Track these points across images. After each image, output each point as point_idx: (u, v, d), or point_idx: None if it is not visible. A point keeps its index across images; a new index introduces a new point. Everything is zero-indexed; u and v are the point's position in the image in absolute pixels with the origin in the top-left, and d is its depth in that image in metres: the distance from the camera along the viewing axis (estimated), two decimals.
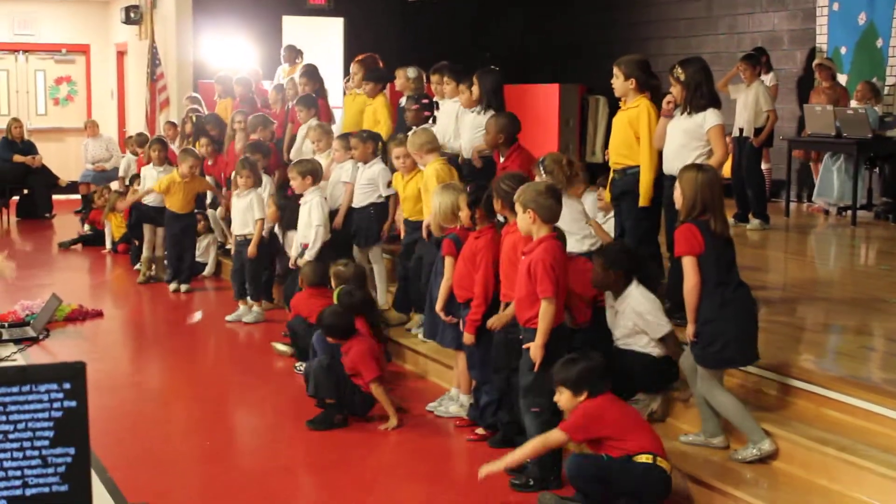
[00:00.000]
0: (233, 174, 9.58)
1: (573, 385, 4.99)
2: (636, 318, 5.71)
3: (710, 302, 5.20)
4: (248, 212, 9.15)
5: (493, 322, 5.79)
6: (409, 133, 8.01)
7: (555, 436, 5.02)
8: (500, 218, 6.00)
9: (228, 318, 9.19)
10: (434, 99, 8.99)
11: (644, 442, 4.91)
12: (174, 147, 12.11)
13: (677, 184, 5.36)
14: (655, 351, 5.73)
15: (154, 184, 10.54)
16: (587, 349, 5.38)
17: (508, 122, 7.34)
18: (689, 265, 5.18)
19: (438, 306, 6.37)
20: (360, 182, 8.47)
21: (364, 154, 8.38)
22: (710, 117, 6.45)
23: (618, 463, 4.88)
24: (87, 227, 13.76)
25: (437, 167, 7.48)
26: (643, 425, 5.10)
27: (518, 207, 5.41)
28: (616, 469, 4.87)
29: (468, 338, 6.06)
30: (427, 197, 7.36)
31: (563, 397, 5.04)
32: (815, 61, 12.50)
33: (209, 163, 11.14)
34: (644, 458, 4.85)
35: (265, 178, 9.47)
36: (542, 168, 6.32)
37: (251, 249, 9.11)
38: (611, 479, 4.86)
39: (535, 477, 5.35)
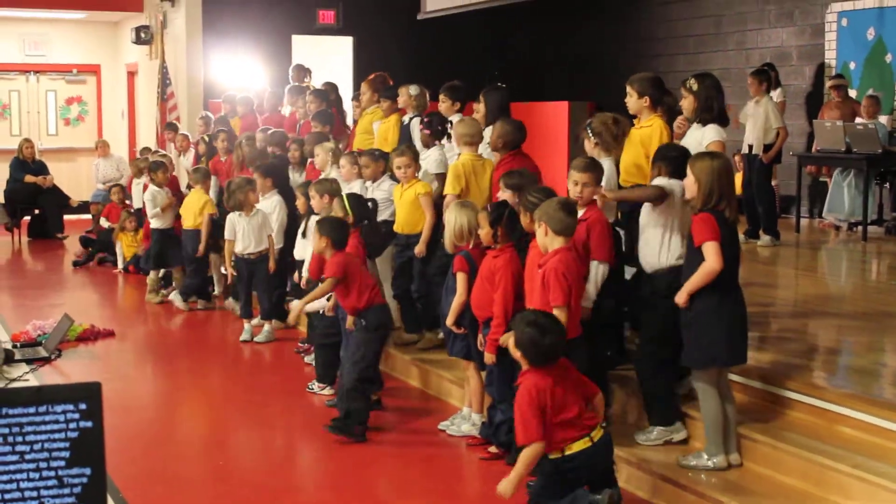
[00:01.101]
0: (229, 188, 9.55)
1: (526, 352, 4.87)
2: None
3: (707, 298, 5.21)
4: (262, 229, 9.19)
5: (506, 338, 5.75)
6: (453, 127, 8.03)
7: (528, 450, 4.79)
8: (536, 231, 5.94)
9: (242, 338, 9.22)
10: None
11: (570, 431, 4.78)
12: (185, 162, 12.26)
13: (690, 172, 5.35)
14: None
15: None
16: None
17: (510, 129, 7.30)
18: (713, 249, 5.15)
19: (449, 321, 6.37)
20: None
21: (375, 173, 8.39)
22: (709, 133, 6.45)
23: (550, 466, 4.86)
24: (103, 220, 13.72)
25: (463, 159, 7.52)
26: (564, 407, 4.82)
27: (538, 221, 5.44)
28: (551, 474, 4.87)
29: (489, 357, 5.99)
30: (449, 179, 7.49)
31: (515, 354, 4.93)
32: (830, 83, 12.48)
33: (221, 159, 11.24)
34: (555, 455, 4.78)
35: (276, 199, 9.48)
36: (590, 131, 6.35)
37: (271, 264, 9.19)
38: (539, 491, 4.89)
39: None
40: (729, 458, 5.37)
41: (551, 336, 4.78)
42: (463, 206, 6.42)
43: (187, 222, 10.54)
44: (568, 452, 4.78)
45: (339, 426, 6.47)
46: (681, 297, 5.28)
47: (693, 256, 5.30)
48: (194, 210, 10.47)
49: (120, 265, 12.81)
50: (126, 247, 12.78)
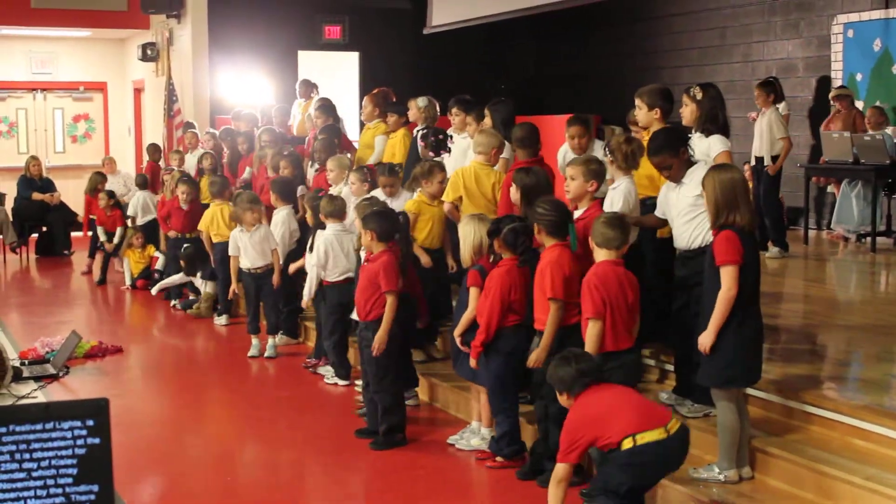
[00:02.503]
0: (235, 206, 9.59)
1: (565, 387, 4.91)
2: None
3: (732, 318, 5.13)
4: (264, 243, 9.17)
5: (533, 360, 5.71)
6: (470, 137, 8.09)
7: (559, 472, 4.82)
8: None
9: (250, 353, 9.20)
10: (448, 131, 8.99)
11: (624, 424, 4.70)
12: (191, 159, 12.53)
13: (702, 189, 5.35)
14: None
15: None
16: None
17: (525, 130, 7.33)
18: (730, 275, 5.09)
19: (456, 332, 6.35)
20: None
21: (395, 190, 8.36)
22: (715, 144, 6.42)
23: (602, 457, 4.85)
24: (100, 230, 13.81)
25: (465, 168, 7.55)
26: (625, 404, 4.83)
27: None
28: (604, 467, 4.86)
29: (472, 362, 6.09)
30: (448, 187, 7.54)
31: (562, 398, 4.97)
32: (832, 94, 12.46)
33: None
34: (627, 443, 4.67)
35: (285, 212, 9.49)
36: (607, 150, 6.39)
37: (275, 278, 9.12)
38: (607, 479, 4.79)
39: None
40: (741, 472, 5.32)
41: (578, 363, 4.85)
42: (480, 219, 6.38)
43: (218, 236, 10.42)
44: (640, 442, 4.69)
45: (384, 441, 6.56)
46: (707, 339, 5.16)
47: (713, 273, 5.21)
48: (222, 222, 10.41)
49: (128, 281, 12.82)
50: (134, 263, 12.79)
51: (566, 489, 4.81)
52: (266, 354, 9.15)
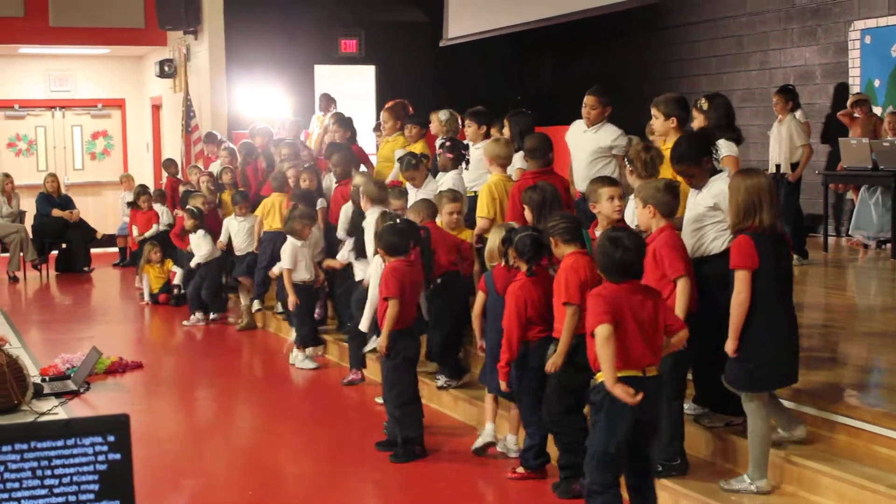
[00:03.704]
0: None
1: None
2: (719, 199, 5.57)
3: (758, 321, 5.12)
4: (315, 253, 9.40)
5: (550, 366, 5.67)
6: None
7: (602, 332, 4.63)
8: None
9: (312, 367, 9.22)
10: (466, 142, 9.00)
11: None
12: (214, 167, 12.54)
13: (725, 194, 5.37)
14: (717, 245, 5.66)
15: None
16: None
17: (536, 140, 7.46)
18: (742, 279, 5.11)
19: (475, 322, 6.55)
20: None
21: (420, 181, 8.45)
22: (723, 147, 6.41)
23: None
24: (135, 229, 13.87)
25: (495, 180, 7.52)
26: (626, 335, 4.76)
27: (639, 202, 5.50)
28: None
29: (502, 385, 6.05)
30: (483, 202, 7.54)
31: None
32: (850, 101, 12.40)
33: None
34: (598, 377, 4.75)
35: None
36: (626, 161, 6.37)
37: (291, 299, 9.19)
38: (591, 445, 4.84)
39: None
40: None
41: (623, 250, 4.74)
42: (502, 227, 6.40)
43: (272, 224, 10.55)
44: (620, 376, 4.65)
45: (402, 454, 6.56)
46: (730, 344, 5.17)
47: (731, 277, 5.22)
48: (276, 212, 10.53)
49: (147, 297, 12.85)
50: (154, 279, 12.83)
51: (615, 344, 4.64)
52: (299, 365, 9.23)
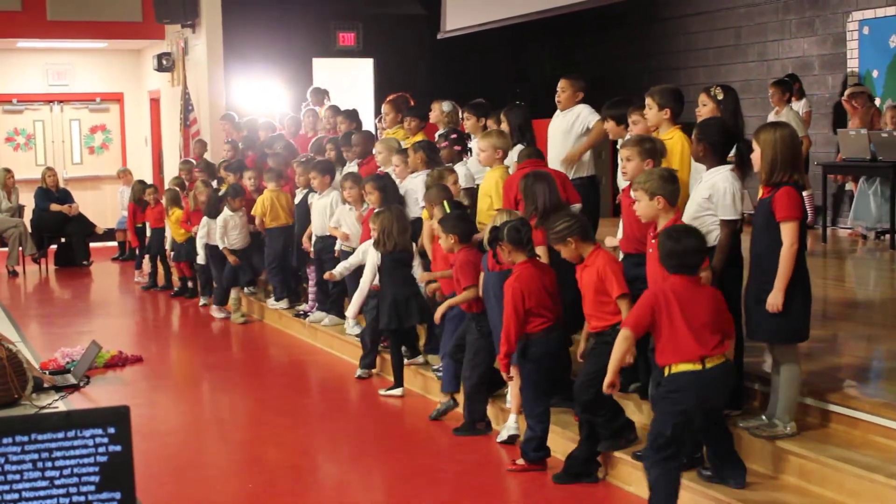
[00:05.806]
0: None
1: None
2: (713, 191, 5.57)
3: (799, 273, 5.21)
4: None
5: (607, 387, 5.21)
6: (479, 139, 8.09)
7: (623, 333, 4.92)
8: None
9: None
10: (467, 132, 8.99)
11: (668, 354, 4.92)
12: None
13: (755, 145, 5.35)
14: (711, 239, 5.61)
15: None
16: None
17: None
18: (792, 230, 5.15)
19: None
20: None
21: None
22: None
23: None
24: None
25: (501, 173, 7.52)
26: (678, 329, 4.87)
27: (642, 195, 5.45)
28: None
29: (504, 376, 6.16)
30: (489, 201, 7.50)
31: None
32: (848, 91, 12.39)
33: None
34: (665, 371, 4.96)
35: (335, 194, 9.70)
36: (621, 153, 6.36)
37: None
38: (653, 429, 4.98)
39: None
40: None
41: (685, 243, 4.89)
42: (509, 214, 6.40)
43: (277, 221, 10.59)
44: (674, 371, 4.79)
45: (465, 428, 6.82)
46: (778, 298, 5.19)
47: (762, 234, 5.26)
48: (280, 207, 10.58)
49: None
50: (175, 230, 12.57)
51: (629, 347, 4.91)
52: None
